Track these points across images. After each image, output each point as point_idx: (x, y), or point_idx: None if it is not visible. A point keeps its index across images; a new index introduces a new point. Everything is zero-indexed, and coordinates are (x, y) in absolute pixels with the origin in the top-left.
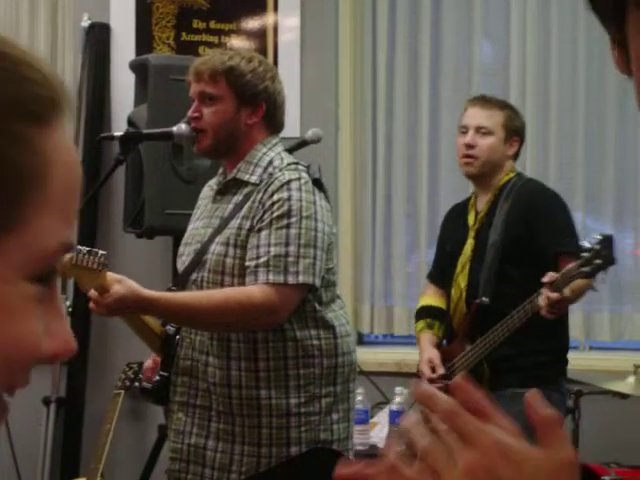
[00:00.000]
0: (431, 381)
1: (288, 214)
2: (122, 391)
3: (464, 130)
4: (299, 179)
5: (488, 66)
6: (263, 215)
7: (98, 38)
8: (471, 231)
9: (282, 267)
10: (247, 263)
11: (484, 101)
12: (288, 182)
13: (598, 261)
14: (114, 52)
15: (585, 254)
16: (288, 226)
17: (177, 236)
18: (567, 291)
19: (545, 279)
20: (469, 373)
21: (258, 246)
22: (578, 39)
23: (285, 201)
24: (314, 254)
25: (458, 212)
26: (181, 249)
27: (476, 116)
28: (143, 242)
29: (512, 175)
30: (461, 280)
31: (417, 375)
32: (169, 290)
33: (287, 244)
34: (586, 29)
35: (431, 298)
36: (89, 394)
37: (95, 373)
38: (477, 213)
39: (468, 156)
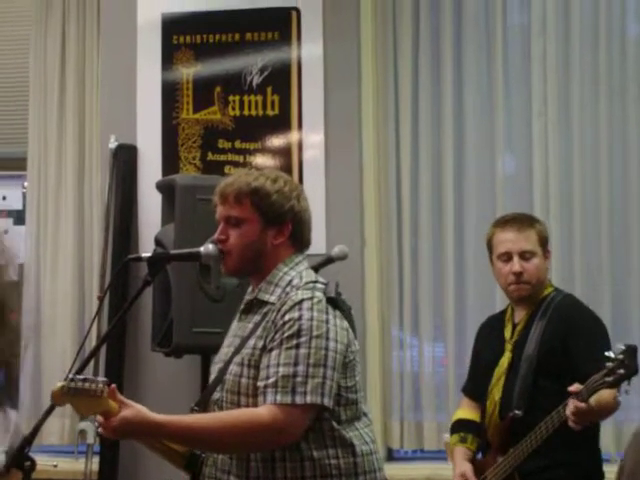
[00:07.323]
0: None
1: (298, 334)
2: None
3: (506, 258)
4: (311, 298)
5: (511, 178)
6: (275, 335)
7: (125, 159)
8: (508, 344)
9: (290, 387)
10: (258, 383)
11: (517, 224)
12: (300, 302)
13: (621, 371)
14: (141, 173)
15: (609, 364)
16: (297, 346)
17: (205, 354)
18: (592, 401)
19: (571, 389)
20: None
21: (268, 366)
22: (600, 147)
23: (296, 321)
24: (324, 373)
25: (493, 324)
26: (211, 368)
27: (516, 241)
28: (171, 361)
29: (550, 290)
30: (496, 392)
31: None
32: (192, 410)
33: (296, 364)
34: (607, 137)
35: (465, 411)
36: None
37: None
38: (514, 326)
39: (519, 283)
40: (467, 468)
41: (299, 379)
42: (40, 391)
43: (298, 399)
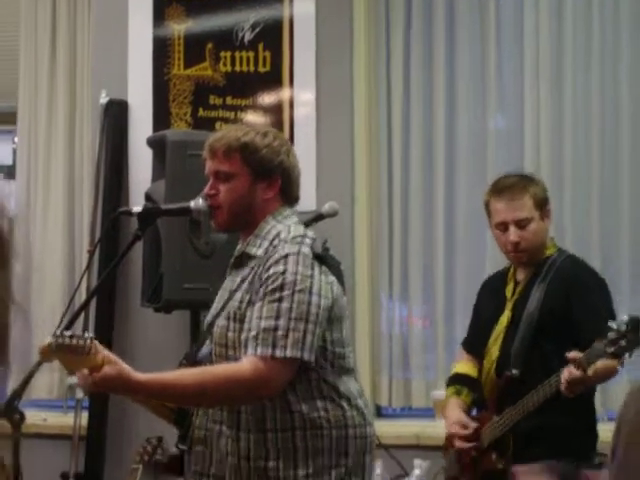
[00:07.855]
0: (466, 439)
1: (281, 287)
2: (140, 466)
3: (503, 227)
4: (297, 253)
5: (502, 136)
6: (259, 288)
7: (116, 114)
8: (509, 302)
9: (270, 341)
10: (241, 336)
11: (509, 191)
12: (285, 256)
13: (623, 343)
14: (132, 128)
15: (611, 334)
16: (280, 300)
17: (195, 310)
18: (590, 371)
19: (570, 355)
20: (494, 443)
21: (251, 319)
22: (591, 108)
23: (280, 275)
24: (305, 328)
25: (495, 282)
26: (203, 322)
27: (510, 211)
28: (161, 316)
29: (553, 250)
30: (494, 350)
31: (445, 445)
32: (180, 364)
33: (277, 317)
34: (600, 98)
35: (463, 366)
36: (108, 469)
37: (114, 448)
38: (516, 285)
39: (517, 251)
40: (462, 416)
41: (280, 332)
42: (29, 345)
43: (278, 352)
